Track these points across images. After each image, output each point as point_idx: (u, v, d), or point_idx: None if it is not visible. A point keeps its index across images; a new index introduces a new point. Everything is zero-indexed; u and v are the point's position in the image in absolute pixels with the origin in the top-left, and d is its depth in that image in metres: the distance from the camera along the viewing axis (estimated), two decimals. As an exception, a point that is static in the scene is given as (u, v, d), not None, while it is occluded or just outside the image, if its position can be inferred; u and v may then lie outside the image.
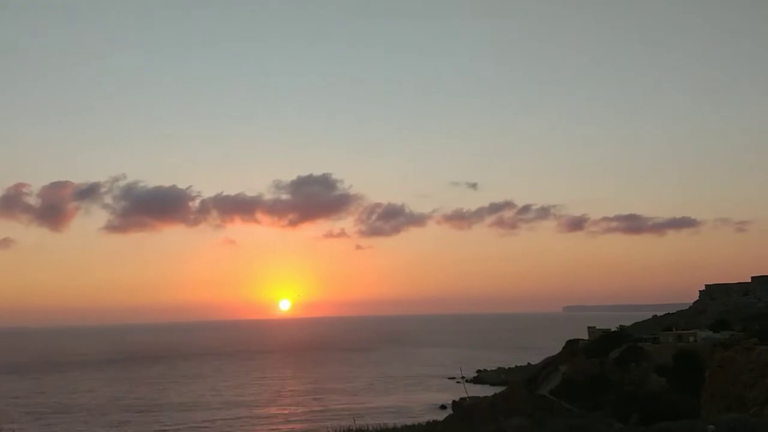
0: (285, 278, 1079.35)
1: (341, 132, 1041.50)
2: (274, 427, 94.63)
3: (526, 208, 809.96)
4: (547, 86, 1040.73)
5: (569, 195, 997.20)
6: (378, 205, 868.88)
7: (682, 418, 26.74)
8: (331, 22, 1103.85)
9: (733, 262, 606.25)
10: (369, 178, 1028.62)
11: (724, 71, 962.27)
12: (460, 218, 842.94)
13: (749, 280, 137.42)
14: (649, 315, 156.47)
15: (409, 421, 30.00)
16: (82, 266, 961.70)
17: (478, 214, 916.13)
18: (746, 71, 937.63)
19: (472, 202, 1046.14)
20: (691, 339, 76.47)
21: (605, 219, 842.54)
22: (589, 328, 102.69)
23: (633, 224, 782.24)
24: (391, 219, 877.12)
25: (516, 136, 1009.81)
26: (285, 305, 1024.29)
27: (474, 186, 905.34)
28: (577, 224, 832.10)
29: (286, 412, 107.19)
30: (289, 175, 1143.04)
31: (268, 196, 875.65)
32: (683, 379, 55.42)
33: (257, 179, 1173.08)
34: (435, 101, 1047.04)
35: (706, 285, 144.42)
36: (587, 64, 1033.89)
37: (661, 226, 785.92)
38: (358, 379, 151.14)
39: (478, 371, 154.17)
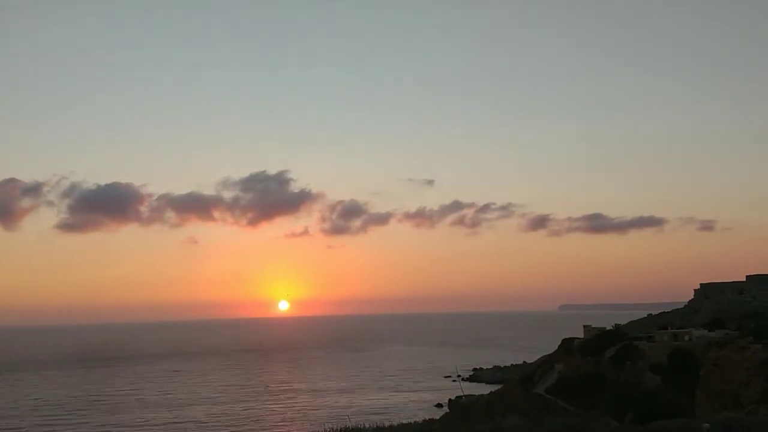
0: (254, 277, 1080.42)
1: (294, 129, 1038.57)
2: (269, 426, 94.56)
3: (486, 207, 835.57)
4: (512, 85, 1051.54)
5: (530, 194, 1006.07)
6: (339, 202, 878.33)
7: (677, 416, 26.78)
8: (283, 18, 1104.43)
9: (696, 262, 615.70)
10: (324, 176, 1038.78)
11: (691, 73, 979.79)
12: (422, 216, 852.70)
13: (744, 279, 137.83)
14: (644, 314, 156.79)
15: (405, 420, 29.97)
16: (31, 265, 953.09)
17: (441, 213, 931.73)
18: (713, 74, 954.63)
19: (430, 199, 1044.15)
20: (687, 338, 76.69)
21: (569, 219, 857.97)
22: (584, 326, 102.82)
23: (597, 223, 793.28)
24: (352, 217, 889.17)
25: (473, 134, 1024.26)
26: (283, 305, 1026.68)
27: (431, 183, 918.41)
28: (540, 223, 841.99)
29: (282, 411, 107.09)
30: (242, 173, 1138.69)
31: (225, 194, 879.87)
32: (678, 377, 55.59)
33: (210, 177, 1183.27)
34: (390, 98, 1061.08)
35: (701, 284, 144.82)
36: (550, 62, 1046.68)
37: (625, 225, 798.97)
38: (354, 378, 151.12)
39: (474, 370, 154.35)
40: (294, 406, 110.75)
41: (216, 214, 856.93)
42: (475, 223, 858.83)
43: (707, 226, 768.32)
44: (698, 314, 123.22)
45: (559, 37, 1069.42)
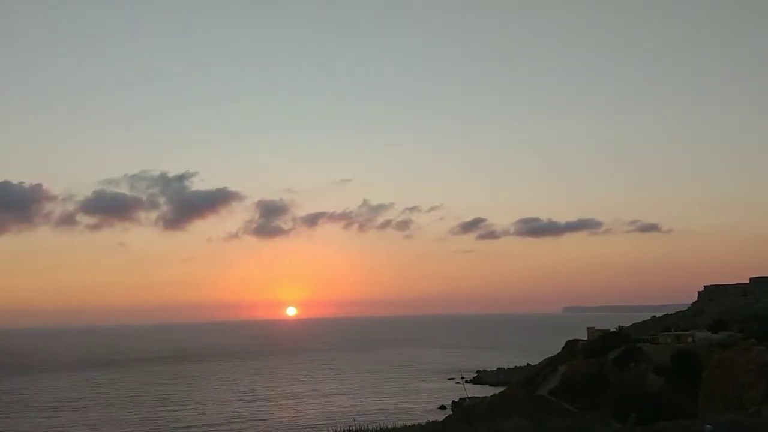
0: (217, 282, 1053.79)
1: (208, 129, 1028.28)
2: (272, 428, 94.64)
3: (414, 209, 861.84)
4: (444, 85, 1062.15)
5: (462, 197, 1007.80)
6: (270, 203, 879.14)
7: (680, 418, 26.88)
8: (204, 11, 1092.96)
9: (700, 264, 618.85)
10: (243, 176, 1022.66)
11: (633, 76, 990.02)
12: (348, 217, 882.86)
13: (747, 281, 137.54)
14: (647, 316, 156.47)
15: (408, 422, 30.10)
16: None
17: (364, 214, 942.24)
18: (655, 76, 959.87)
19: (347, 199, 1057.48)
20: (690, 339, 76.59)
21: (507, 221, 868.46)
22: (588, 328, 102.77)
23: (534, 226, 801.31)
24: (278, 218, 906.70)
25: (396, 135, 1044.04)
26: (292, 311, 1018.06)
27: (348, 181, 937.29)
28: (473, 225, 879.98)
29: (284, 412, 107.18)
30: (155, 172, 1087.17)
31: (142, 195, 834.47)
32: (682, 379, 55.62)
33: (115, 172, 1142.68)
34: (310, 97, 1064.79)
35: (704, 286, 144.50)
36: (480, 63, 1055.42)
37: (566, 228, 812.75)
38: (357, 380, 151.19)
39: (478, 372, 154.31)
40: (295, 407, 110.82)
41: (139, 215, 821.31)
42: (400, 226, 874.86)
43: (649, 228, 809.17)
44: (701, 316, 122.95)
45: (498, 38, 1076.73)
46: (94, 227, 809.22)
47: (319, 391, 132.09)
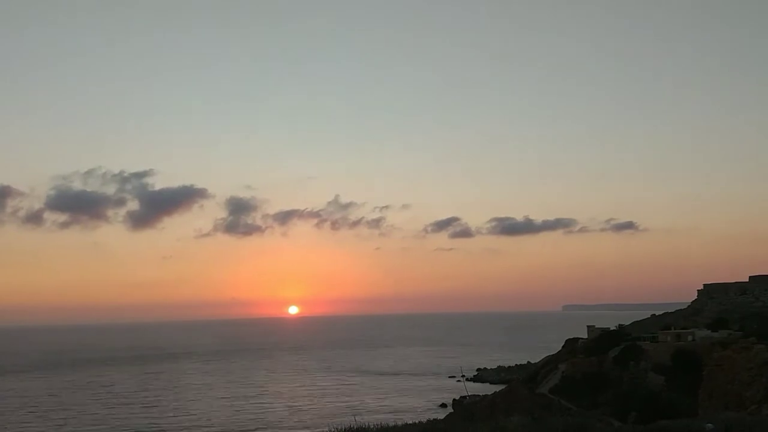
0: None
1: (166, 126, 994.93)
2: (274, 426, 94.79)
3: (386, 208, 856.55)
4: (413, 82, 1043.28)
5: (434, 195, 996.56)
6: (239, 200, 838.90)
7: (680, 416, 26.97)
8: (161, 5, 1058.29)
9: (699, 262, 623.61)
10: (205, 173, 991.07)
11: (605, 74, 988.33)
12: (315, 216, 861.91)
13: (747, 280, 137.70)
14: (647, 314, 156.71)
15: (409, 420, 30.18)
16: None
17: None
18: (628, 74, 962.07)
19: (315, 197, 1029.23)
20: (690, 338, 76.77)
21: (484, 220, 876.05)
22: (588, 326, 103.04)
23: (509, 224, 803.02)
24: (248, 215, 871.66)
25: (359, 135, 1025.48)
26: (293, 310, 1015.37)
27: (314, 179, 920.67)
28: (446, 224, 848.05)
29: (286, 411, 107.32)
30: (113, 169, 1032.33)
31: (109, 193, 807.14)
32: (682, 377, 55.76)
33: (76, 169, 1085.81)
34: (275, 94, 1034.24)
35: (704, 284, 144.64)
36: (461, 58, 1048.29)
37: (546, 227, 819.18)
38: (358, 378, 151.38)
39: (478, 370, 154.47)
40: (296, 406, 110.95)
41: (107, 214, 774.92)
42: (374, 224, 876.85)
43: (625, 227, 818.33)
44: (701, 315, 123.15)
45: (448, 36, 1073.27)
46: (62, 225, 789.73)
47: (318, 389, 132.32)
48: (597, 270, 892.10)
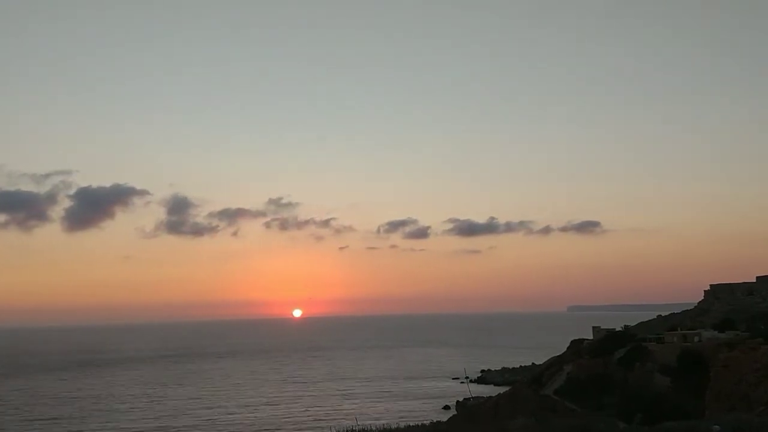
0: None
1: (86, 124, 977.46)
2: (276, 427, 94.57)
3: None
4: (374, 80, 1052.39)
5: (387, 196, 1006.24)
6: (179, 199, 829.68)
7: (686, 418, 26.64)
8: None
9: (706, 263, 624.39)
10: (132, 171, 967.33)
11: (573, 76, 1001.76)
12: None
13: (754, 280, 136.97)
14: (653, 315, 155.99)
15: (412, 422, 29.91)
16: None
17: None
18: (596, 76, 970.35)
19: (257, 195, 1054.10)
20: (696, 339, 76.12)
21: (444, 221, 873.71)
22: (593, 327, 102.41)
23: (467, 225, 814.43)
24: (188, 214, 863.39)
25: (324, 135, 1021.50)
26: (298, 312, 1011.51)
27: (256, 178, 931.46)
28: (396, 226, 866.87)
29: (288, 412, 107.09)
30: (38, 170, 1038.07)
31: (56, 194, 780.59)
32: (688, 378, 55.34)
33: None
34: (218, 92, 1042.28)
35: (710, 285, 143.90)
36: (419, 59, 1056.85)
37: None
38: (361, 379, 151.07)
39: (482, 371, 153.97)
40: (299, 407, 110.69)
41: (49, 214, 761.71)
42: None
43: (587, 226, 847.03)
44: (708, 315, 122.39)
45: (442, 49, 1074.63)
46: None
47: (318, 392, 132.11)
48: (602, 271, 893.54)
